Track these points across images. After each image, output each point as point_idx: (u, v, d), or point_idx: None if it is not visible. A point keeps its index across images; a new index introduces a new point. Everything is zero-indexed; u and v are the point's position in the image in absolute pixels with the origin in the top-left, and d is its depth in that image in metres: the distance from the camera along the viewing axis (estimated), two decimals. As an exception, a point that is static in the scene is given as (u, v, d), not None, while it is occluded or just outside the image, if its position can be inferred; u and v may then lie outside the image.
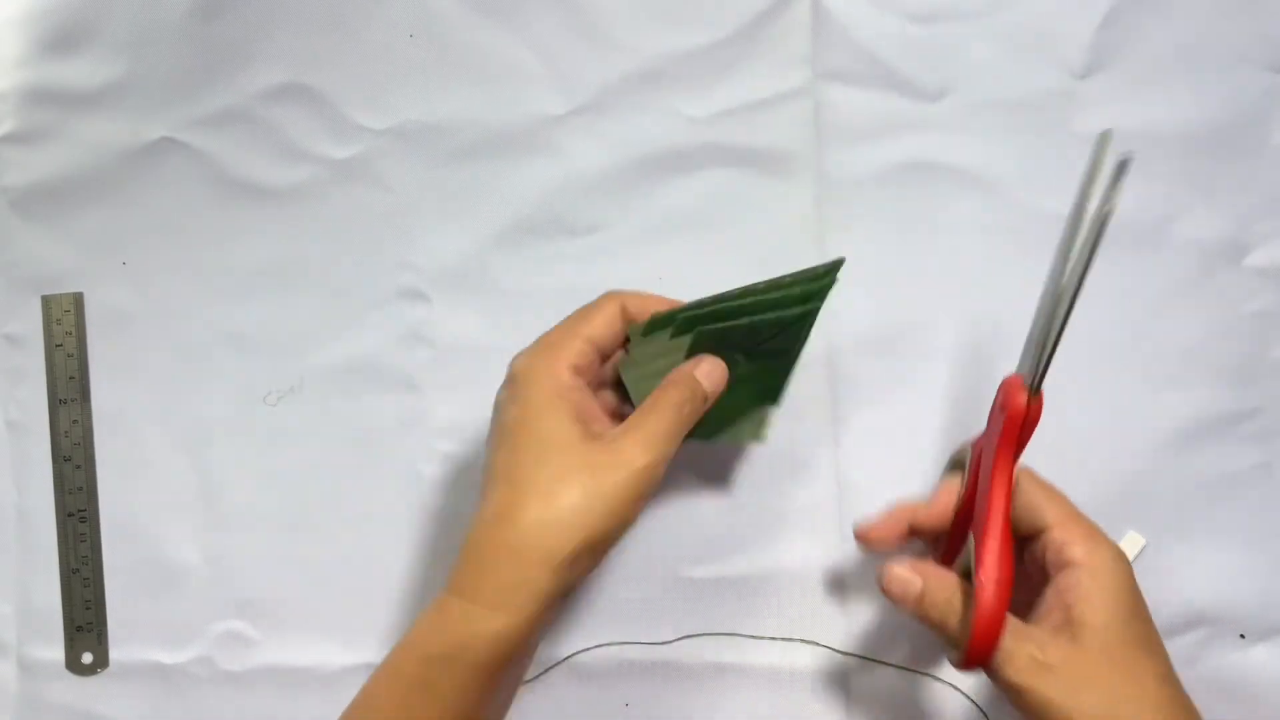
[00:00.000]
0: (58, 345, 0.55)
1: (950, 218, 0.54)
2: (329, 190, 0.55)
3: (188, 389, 0.54)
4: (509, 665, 0.40)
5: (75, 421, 0.54)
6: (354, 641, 0.53)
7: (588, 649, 0.52)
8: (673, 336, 0.45)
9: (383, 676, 0.41)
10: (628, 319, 0.46)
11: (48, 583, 0.54)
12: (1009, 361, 0.53)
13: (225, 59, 0.55)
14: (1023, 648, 0.39)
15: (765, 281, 0.45)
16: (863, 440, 0.52)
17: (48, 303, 0.55)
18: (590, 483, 0.40)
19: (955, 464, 0.47)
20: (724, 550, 0.52)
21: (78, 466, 0.54)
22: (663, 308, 0.46)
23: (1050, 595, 0.41)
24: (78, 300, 0.55)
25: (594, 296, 0.53)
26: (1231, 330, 0.53)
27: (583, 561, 0.40)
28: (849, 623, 0.52)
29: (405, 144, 0.55)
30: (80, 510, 0.54)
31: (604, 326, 0.45)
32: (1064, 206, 0.53)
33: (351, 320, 0.54)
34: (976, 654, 0.40)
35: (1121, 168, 0.38)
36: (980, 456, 0.44)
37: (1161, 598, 0.52)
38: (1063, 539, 0.42)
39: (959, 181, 0.54)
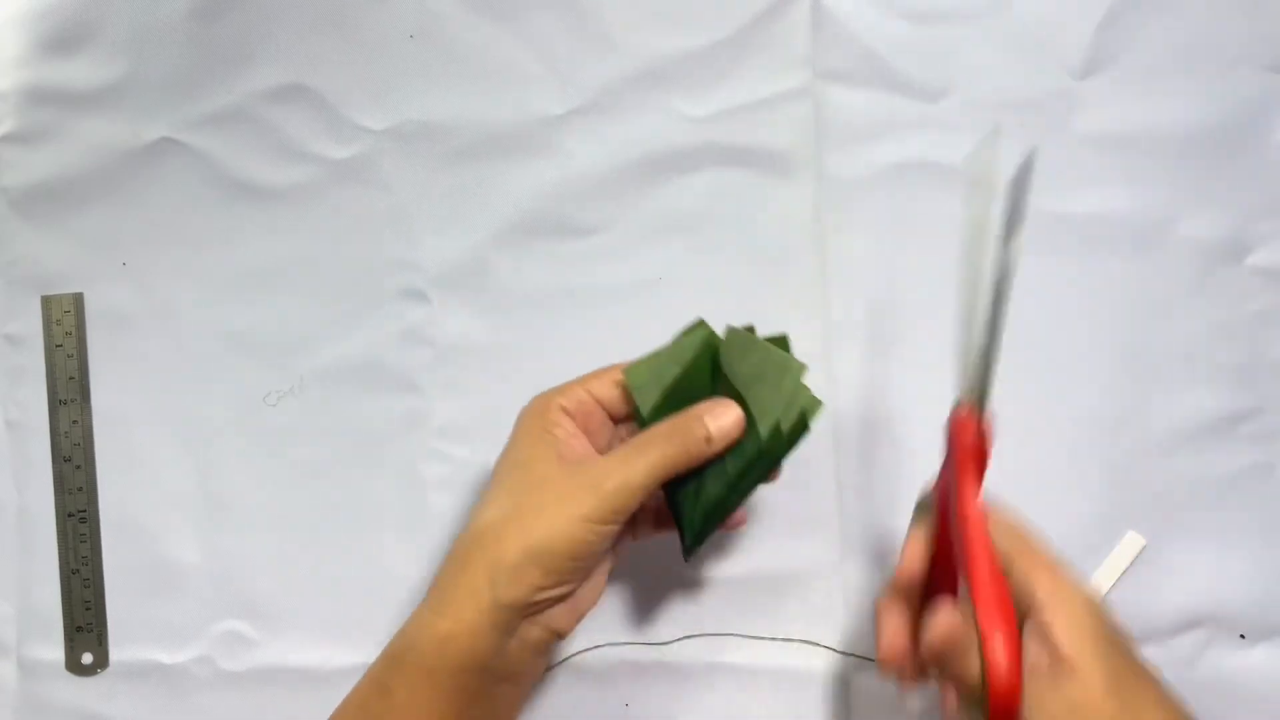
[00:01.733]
0: (58, 345, 0.55)
1: (951, 218, 0.53)
2: (329, 190, 0.55)
3: (188, 389, 0.54)
4: (460, 673, 0.40)
5: (75, 421, 0.54)
6: (354, 641, 0.53)
7: (588, 649, 0.52)
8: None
9: (362, 677, 0.43)
10: None
11: (48, 583, 0.54)
12: (1005, 361, 0.53)
13: (225, 59, 0.55)
14: (1048, 697, 0.36)
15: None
16: (862, 439, 0.52)
17: (48, 303, 0.55)
18: (542, 497, 0.41)
19: (920, 508, 0.44)
20: (724, 550, 0.52)
21: (78, 466, 0.54)
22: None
23: (1031, 638, 0.38)
24: (78, 300, 0.55)
25: (594, 297, 0.54)
26: (1231, 330, 0.53)
27: (528, 574, 0.40)
28: (849, 623, 0.52)
29: (405, 144, 0.55)
30: (80, 510, 0.54)
31: (611, 383, 0.45)
32: (1064, 206, 0.54)
33: (351, 320, 0.54)
34: (1001, 715, 0.36)
35: (1026, 165, 0.36)
36: (945, 497, 0.41)
37: (1161, 598, 0.52)
38: (1025, 577, 0.39)
39: (959, 181, 0.54)
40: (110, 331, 0.55)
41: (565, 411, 0.44)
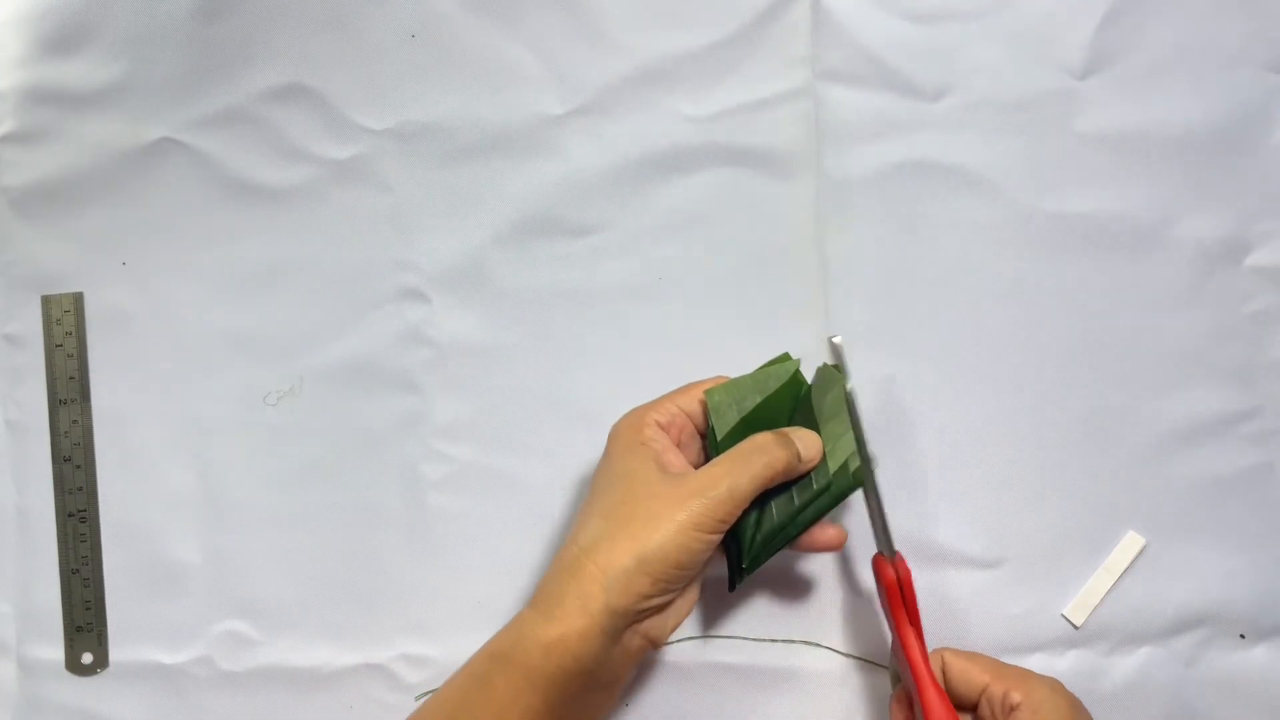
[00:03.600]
0: (58, 345, 0.55)
1: (950, 218, 0.54)
2: (329, 190, 0.55)
3: (188, 389, 0.54)
4: (562, 677, 0.41)
5: (75, 421, 0.54)
6: (354, 641, 0.53)
7: (588, 649, 0.52)
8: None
9: (460, 670, 0.43)
10: None
11: (48, 583, 0.54)
12: (1006, 361, 0.53)
13: (225, 59, 0.55)
14: None
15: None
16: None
17: (48, 303, 0.55)
18: (649, 506, 0.42)
19: (893, 678, 0.48)
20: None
21: (78, 466, 0.54)
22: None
23: None
24: (78, 300, 0.55)
25: (594, 297, 0.54)
26: (1231, 330, 0.53)
27: (639, 582, 0.41)
28: (849, 624, 0.52)
29: (405, 144, 0.55)
30: (80, 510, 0.54)
31: (696, 400, 0.46)
32: (1064, 206, 0.54)
33: (351, 320, 0.54)
34: None
35: (836, 350, 0.45)
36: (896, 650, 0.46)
37: (1161, 598, 0.52)
38: (1001, 689, 0.44)
39: (959, 181, 0.54)
40: (110, 331, 0.55)
41: (659, 425, 0.45)
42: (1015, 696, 0.43)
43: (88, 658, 0.53)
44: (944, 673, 0.45)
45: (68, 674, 0.53)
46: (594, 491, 0.44)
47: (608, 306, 0.54)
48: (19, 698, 0.53)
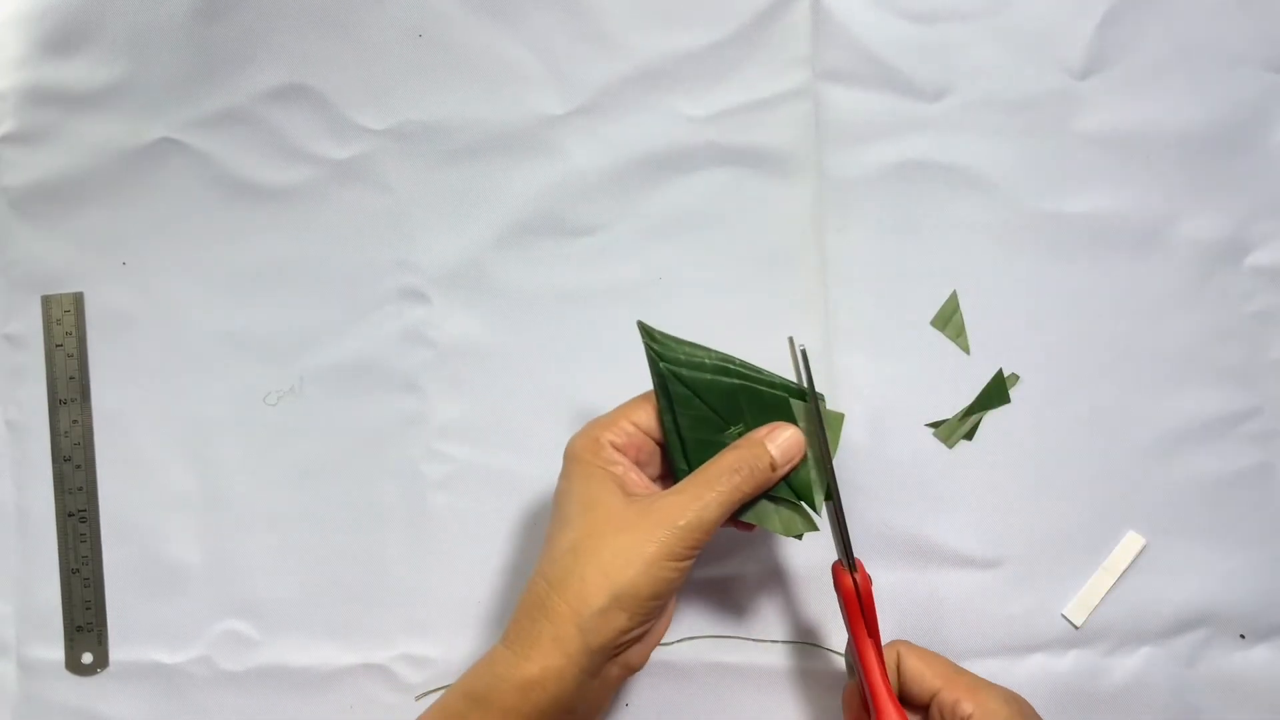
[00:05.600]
0: (58, 345, 0.55)
1: (950, 218, 0.54)
2: (329, 190, 0.55)
3: (188, 389, 0.54)
4: (540, 717, 0.40)
5: (75, 421, 0.54)
6: (354, 641, 0.53)
7: (588, 649, 0.52)
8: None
9: (432, 711, 0.42)
10: None
11: (48, 583, 0.54)
12: (1007, 362, 0.53)
13: (225, 59, 0.55)
14: None
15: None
16: (862, 438, 0.52)
17: (48, 303, 0.55)
18: (619, 540, 0.40)
19: (849, 669, 0.47)
20: (724, 551, 0.52)
21: (78, 466, 0.54)
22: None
23: None
24: (78, 300, 0.55)
25: (594, 297, 0.54)
26: (1231, 330, 0.53)
27: (615, 619, 0.40)
28: (849, 623, 0.52)
29: (405, 144, 0.55)
30: (80, 510, 0.54)
31: (653, 412, 0.45)
32: (1064, 206, 0.54)
33: (351, 320, 0.54)
34: None
35: (803, 354, 0.45)
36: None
37: (1161, 598, 0.52)
38: (952, 698, 0.43)
39: (959, 181, 0.54)
40: (110, 331, 0.55)
41: (616, 447, 0.44)
42: (966, 707, 0.42)
43: (88, 658, 0.53)
44: (899, 668, 0.44)
45: (68, 674, 0.53)
46: (558, 520, 0.43)
47: (608, 306, 0.54)
48: (19, 698, 0.53)
